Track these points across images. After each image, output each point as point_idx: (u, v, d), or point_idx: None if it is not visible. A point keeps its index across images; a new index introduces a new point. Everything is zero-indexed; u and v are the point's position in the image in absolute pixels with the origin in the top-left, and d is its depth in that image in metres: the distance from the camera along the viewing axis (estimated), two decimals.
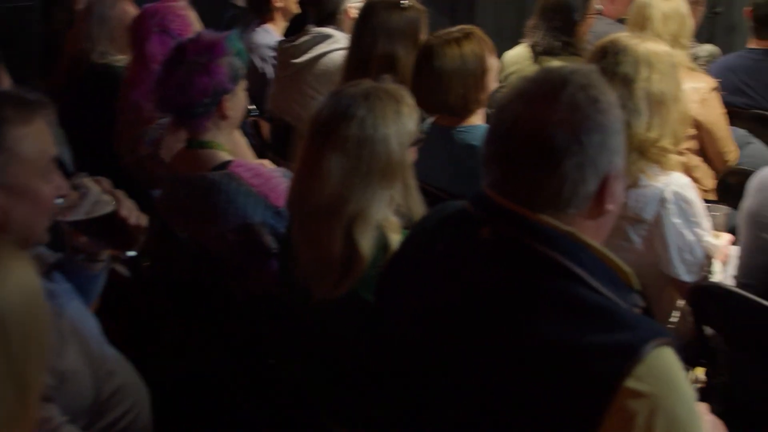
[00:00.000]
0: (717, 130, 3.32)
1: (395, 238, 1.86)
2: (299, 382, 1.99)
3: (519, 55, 3.76)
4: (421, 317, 1.42)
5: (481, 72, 2.71)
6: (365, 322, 1.65)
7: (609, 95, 1.36)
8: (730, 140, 3.40)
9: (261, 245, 2.31)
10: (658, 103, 2.26)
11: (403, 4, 3.05)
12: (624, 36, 2.36)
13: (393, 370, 1.49)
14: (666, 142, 2.28)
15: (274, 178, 2.42)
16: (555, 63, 3.62)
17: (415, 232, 1.61)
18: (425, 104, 2.78)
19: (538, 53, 3.68)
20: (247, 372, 2.18)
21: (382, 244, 1.85)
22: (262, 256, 2.31)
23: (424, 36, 3.10)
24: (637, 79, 2.24)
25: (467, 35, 2.75)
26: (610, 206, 1.35)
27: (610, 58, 2.28)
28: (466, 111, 2.74)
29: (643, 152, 2.25)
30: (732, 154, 3.40)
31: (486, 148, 1.37)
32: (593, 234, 1.36)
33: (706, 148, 3.39)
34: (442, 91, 2.71)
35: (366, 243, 1.82)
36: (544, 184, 1.30)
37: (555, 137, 1.28)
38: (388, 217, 1.89)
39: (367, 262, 1.82)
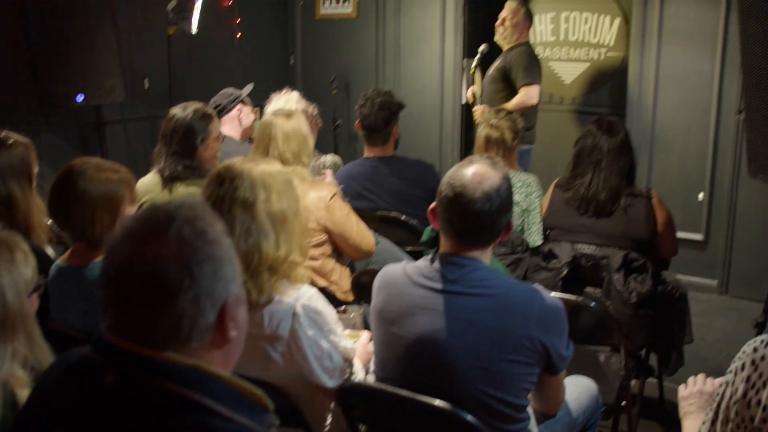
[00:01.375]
0: (346, 229, 3.51)
1: (24, 394, 1.74)
2: None
3: (150, 182, 3.75)
4: None
5: (111, 218, 2.64)
6: None
7: (217, 226, 1.39)
8: (362, 233, 3.57)
9: None
10: (281, 221, 2.34)
11: (8, 141, 2.93)
12: (237, 161, 2.41)
13: None
14: (295, 257, 2.37)
15: None
16: (183, 188, 3.67)
17: (40, 384, 1.51)
18: (64, 227, 2.70)
19: (166, 179, 3.70)
20: None
21: (10, 401, 1.74)
22: None
23: (35, 168, 3.00)
24: (256, 201, 2.31)
25: (115, 173, 2.71)
26: (233, 333, 1.37)
27: (227, 185, 2.32)
28: (99, 243, 2.65)
29: (275, 270, 2.31)
30: (368, 242, 3.59)
31: (99, 291, 1.34)
32: (221, 362, 1.38)
33: (342, 248, 3.56)
34: (63, 219, 2.63)
35: None
36: (162, 322, 1.29)
37: (167, 274, 1.28)
38: (13, 371, 1.77)
39: None
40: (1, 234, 1.84)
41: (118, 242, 1.34)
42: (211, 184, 2.37)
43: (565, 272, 3.55)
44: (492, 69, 5.79)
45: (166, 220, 1.33)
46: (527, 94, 5.55)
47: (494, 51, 5.93)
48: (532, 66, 5.65)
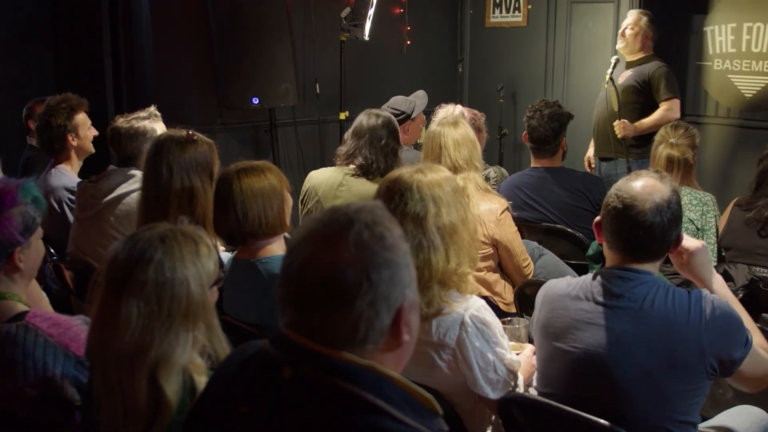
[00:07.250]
0: (513, 247, 3.49)
1: (201, 380, 1.82)
2: None
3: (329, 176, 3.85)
4: None
5: (279, 202, 2.74)
6: None
7: (395, 230, 1.39)
8: (525, 254, 3.59)
9: (62, 398, 2.18)
10: (450, 234, 2.33)
11: (194, 138, 3.08)
12: (406, 173, 2.40)
13: None
14: (465, 268, 2.35)
15: (75, 327, 2.31)
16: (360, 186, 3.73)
17: (218, 374, 1.58)
18: (222, 232, 2.79)
19: (356, 169, 3.77)
20: None
21: (189, 387, 1.81)
22: (64, 409, 2.19)
23: (216, 168, 3.14)
24: (427, 216, 2.31)
25: (267, 168, 2.80)
26: (407, 337, 1.38)
27: (397, 200, 2.32)
28: (262, 238, 2.75)
29: (445, 283, 2.31)
30: (529, 267, 3.59)
31: (279, 289, 1.38)
32: (393, 365, 1.39)
33: (505, 263, 3.55)
34: (240, 218, 2.70)
35: (171, 388, 1.77)
36: (339, 323, 1.32)
37: (345, 277, 1.30)
38: (193, 359, 1.85)
39: (173, 408, 1.76)
40: (188, 228, 1.92)
41: (298, 243, 1.37)
42: (381, 197, 2.38)
43: (740, 296, 3.37)
44: (624, 82, 5.45)
45: (346, 224, 1.35)
46: (670, 108, 5.27)
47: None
48: (673, 79, 5.39)
